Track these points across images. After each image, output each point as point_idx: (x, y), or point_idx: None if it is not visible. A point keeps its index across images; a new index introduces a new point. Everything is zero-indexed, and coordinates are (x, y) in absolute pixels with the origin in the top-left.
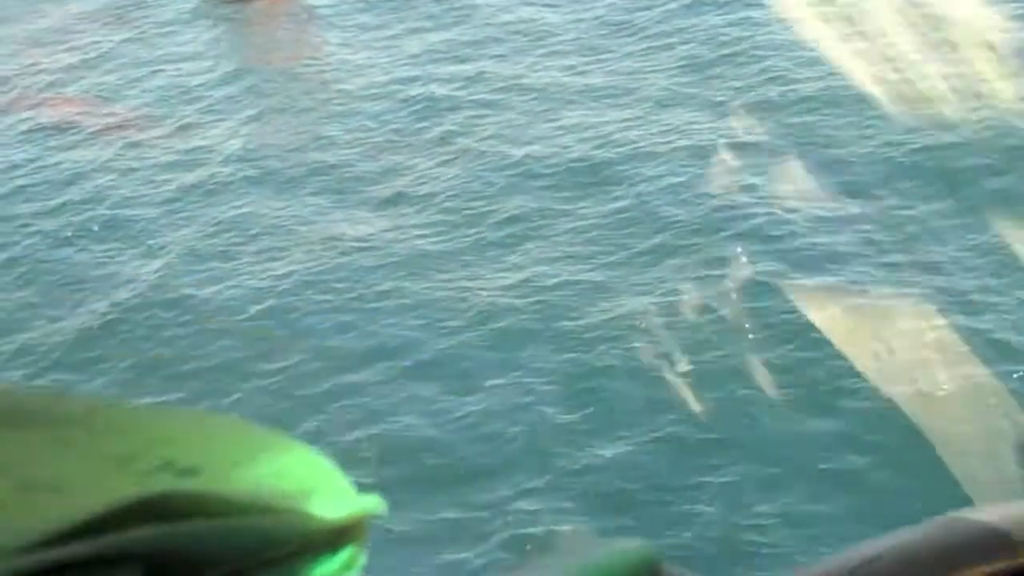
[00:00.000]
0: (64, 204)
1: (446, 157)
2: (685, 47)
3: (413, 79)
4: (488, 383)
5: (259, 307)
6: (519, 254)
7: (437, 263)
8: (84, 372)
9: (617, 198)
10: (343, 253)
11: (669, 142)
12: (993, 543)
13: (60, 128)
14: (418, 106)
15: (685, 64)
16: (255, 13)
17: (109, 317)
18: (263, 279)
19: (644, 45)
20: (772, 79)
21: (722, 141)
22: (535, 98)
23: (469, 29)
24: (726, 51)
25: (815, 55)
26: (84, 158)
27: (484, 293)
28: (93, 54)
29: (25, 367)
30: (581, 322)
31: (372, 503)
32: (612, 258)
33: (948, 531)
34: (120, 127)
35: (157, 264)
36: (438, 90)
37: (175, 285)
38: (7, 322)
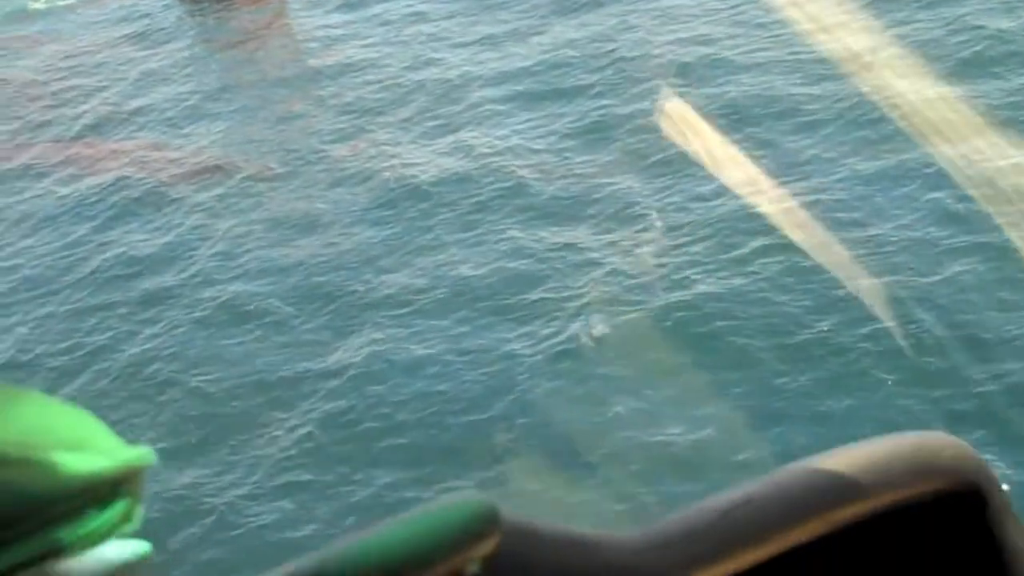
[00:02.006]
0: None
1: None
2: None
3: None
4: None
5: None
6: None
7: None
8: None
9: None
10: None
11: None
12: (850, 487)
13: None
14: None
15: None
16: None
17: None
18: None
19: None
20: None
21: None
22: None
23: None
24: None
25: None
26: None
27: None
28: (83, 91)
29: None
30: None
31: (143, 455)
32: None
33: (812, 475)
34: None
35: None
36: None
37: None
38: None
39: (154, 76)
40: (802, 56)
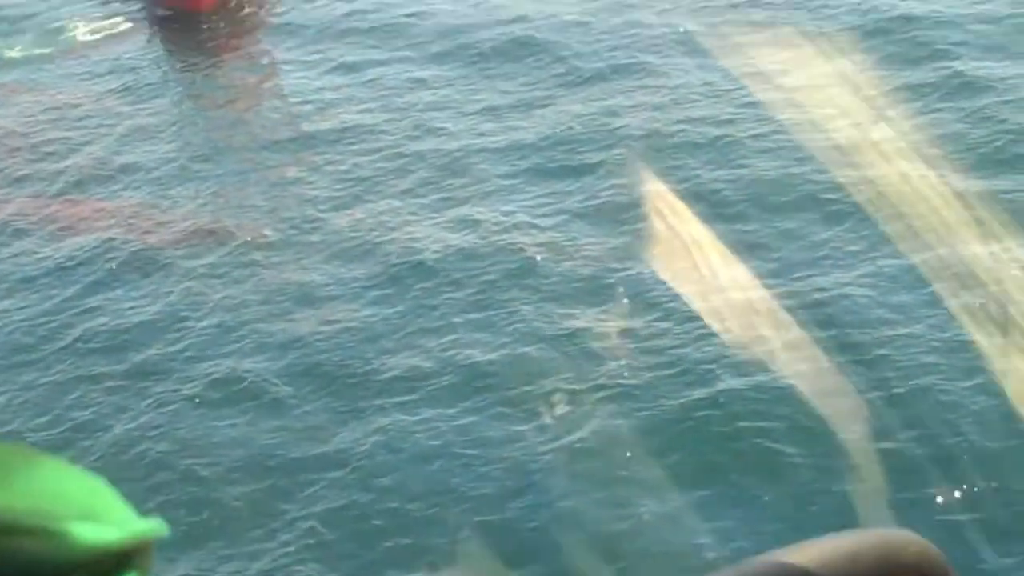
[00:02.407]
0: None
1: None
2: None
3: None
4: None
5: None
6: None
7: None
8: None
9: None
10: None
11: None
12: None
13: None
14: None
15: None
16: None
17: None
18: None
19: None
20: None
21: None
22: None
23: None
24: None
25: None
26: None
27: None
28: (66, 145)
29: None
30: None
31: (154, 527)
32: None
33: (777, 568)
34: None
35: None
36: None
37: None
38: None
39: (140, 133)
40: (812, 143)
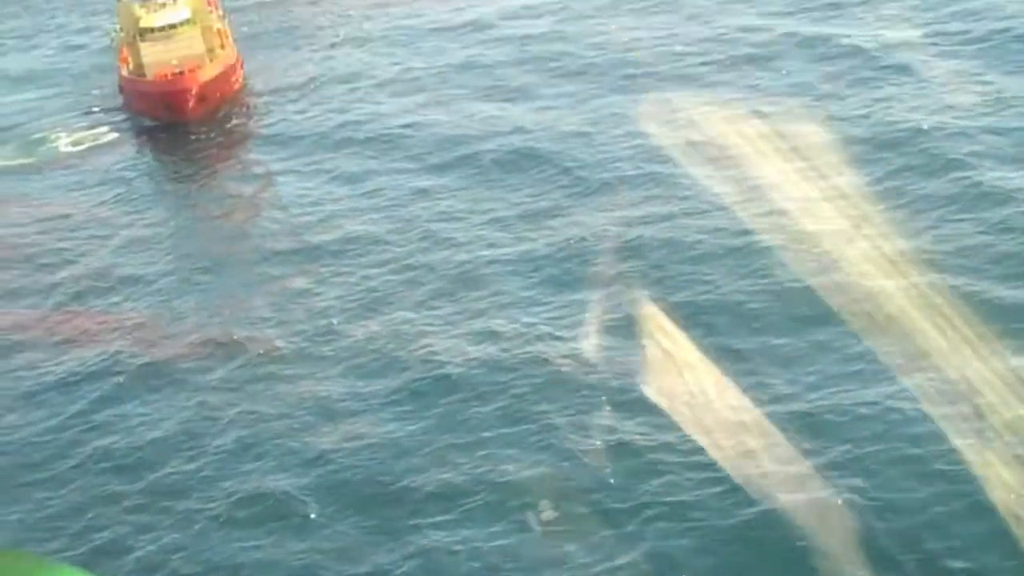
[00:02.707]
0: None
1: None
2: None
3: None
4: None
5: None
6: None
7: None
8: None
9: None
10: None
11: None
12: None
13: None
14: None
15: None
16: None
17: None
18: None
19: None
20: None
21: None
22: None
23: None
24: None
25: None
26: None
27: None
28: (61, 259)
29: None
30: None
31: None
32: None
33: None
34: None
35: None
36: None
37: None
38: None
39: (137, 244)
40: (818, 257)
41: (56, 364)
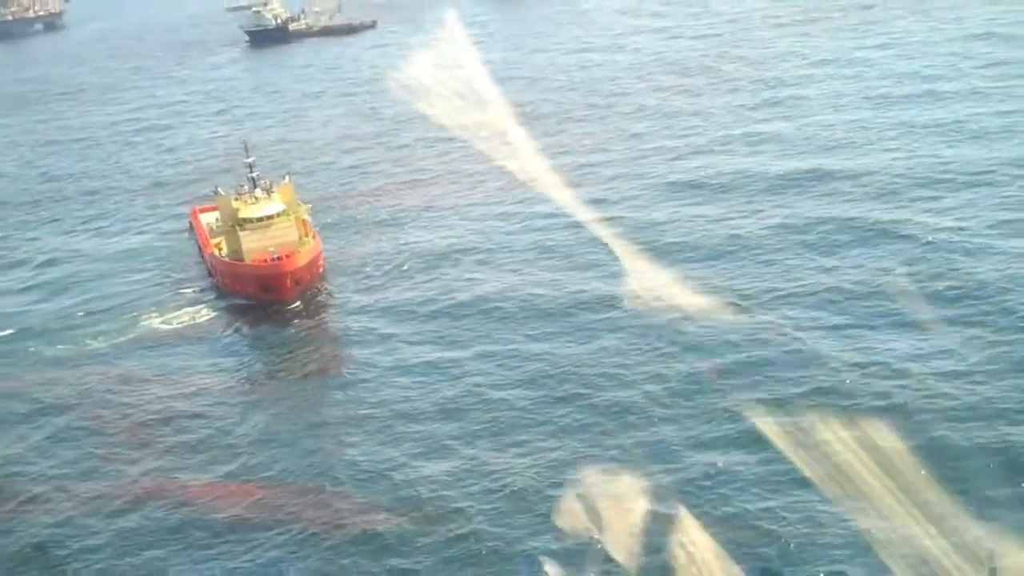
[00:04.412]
0: None
1: None
2: None
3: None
4: None
5: None
6: None
7: None
8: None
9: None
10: None
11: None
12: None
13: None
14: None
15: None
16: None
17: None
18: None
19: None
20: None
21: None
22: None
23: None
24: None
25: None
26: None
27: None
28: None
29: None
30: None
31: None
32: None
33: None
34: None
35: None
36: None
37: None
38: None
39: (259, 408)
40: None
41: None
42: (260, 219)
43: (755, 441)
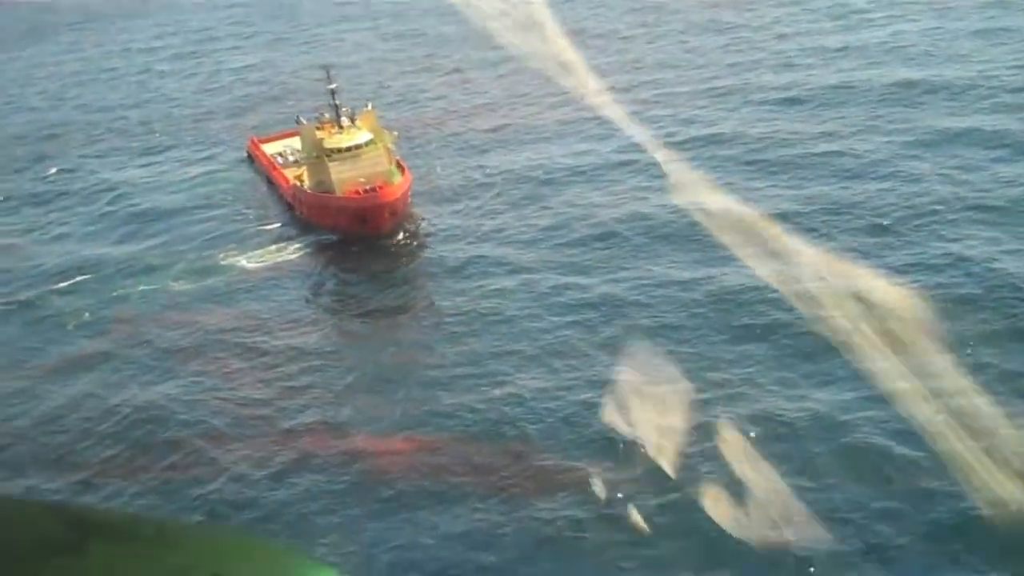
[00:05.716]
0: None
1: None
2: None
3: None
4: None
5: None
6: None
7: None
8: None
9: None
10: None
11: None
12: None
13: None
14: None
15: None
16: None
17: None
18: None
19: None
20: None
21: None
22: None
23: None
24: None
25: None
26: None
27: None
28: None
29: None
30: None
31: None
32: None
33: None
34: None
35: None
36: None
37: None
38: None
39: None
40: None
41: None
42: (348, 149)
43: None
